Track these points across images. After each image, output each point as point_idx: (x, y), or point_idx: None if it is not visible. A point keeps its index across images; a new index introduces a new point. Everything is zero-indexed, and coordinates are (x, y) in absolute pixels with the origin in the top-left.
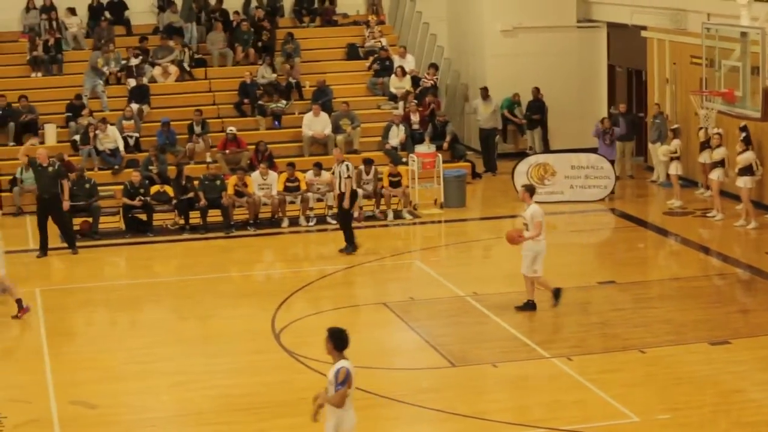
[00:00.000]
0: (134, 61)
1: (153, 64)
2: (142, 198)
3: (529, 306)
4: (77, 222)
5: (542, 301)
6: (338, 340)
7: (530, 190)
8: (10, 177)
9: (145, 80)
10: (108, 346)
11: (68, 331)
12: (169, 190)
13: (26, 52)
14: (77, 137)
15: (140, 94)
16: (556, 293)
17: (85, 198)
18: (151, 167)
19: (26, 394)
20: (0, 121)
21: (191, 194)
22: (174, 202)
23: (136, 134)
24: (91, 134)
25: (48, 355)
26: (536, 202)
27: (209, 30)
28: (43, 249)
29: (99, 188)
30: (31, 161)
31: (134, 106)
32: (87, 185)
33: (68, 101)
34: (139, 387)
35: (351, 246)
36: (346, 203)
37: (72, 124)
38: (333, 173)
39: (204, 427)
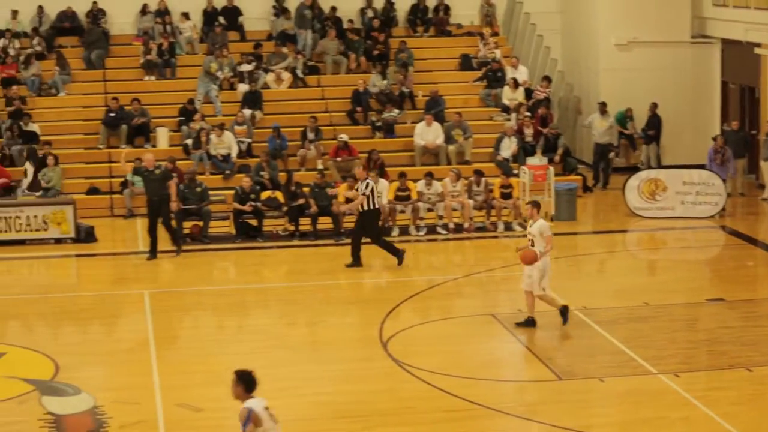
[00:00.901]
0: (247, 67)
1: (266, 71)
2: (253, 203)
3: (530, 323)
4: (187, 226)
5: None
6: (247, 382)
7: (536, 205)
8: (122, 179)
9: (258, 86)
10: (215, 350)
11: (176, 334)
12: (280, 196)
13: (140, 55)
14: (189, 141)
15: (253, 100)
16: (564, 311)
17: (196, 202)
18: (262, 173)
19: (133, 396)
20: (113, 124)
21: (302, 201)
22: (284, 208)
23: (249, 140)
24: (203, 139)
25: (155, 357)
26: (649, 217)
27: (323, 37)
28: (153, 251)
29: (210, 193)
30: (136, 168)
31: (247, 112)
32: (198, 189)
33: (181, 105)
34: None
35: (398, 256)
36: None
37: (184, 128)
38: (357, 190)
39: None
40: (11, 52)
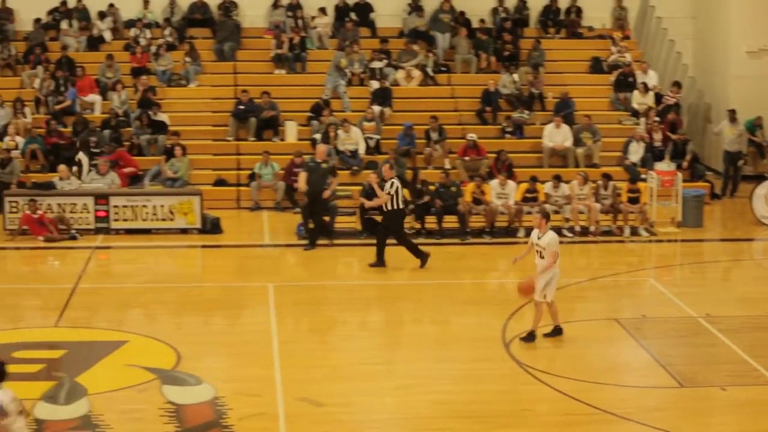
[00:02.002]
0: (378, 64)
1: (396, 68)
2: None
3: (557, 331)
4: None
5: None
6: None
7: (546, 215)
8: (250, 172)
9: (387, 83)
10: (338, 345)
11: (299, 327)
12: (407, 193)
13: (271, 48)
14: (317, 136)
15: (382, 97)
16: (557, 330)
17: None
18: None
19: (254, 388)
20: (242, 116)
21: (427, 199)
22: (411, 206)
23: (377, 136)
24: (332, 134)
25: (278, 350)
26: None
27: (454, 36)
28: (312, 242)
29: (337, 187)
30: (307, 160)
31: (376, 108)
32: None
33: (310, 100)
34: (365, 388)
35: (421, 258)
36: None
37: (313, 122)
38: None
39: None
40: (142, 42)
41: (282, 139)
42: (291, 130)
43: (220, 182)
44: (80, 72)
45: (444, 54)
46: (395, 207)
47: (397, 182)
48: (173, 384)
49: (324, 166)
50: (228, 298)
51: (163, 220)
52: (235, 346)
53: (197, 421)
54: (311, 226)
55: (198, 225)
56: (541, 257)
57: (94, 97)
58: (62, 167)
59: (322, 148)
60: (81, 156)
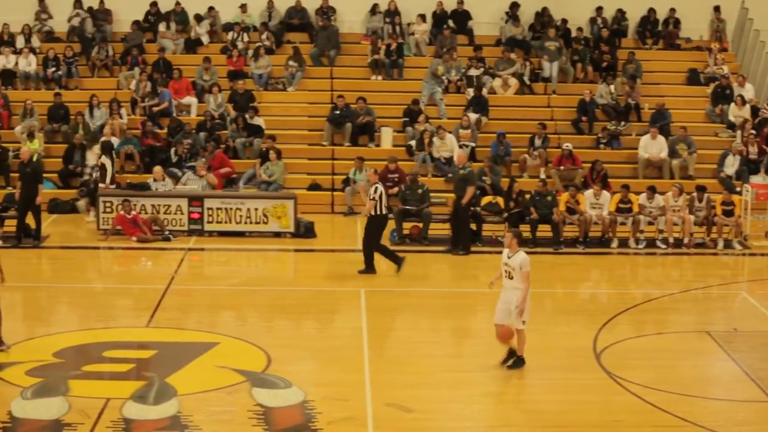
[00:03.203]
0: (474, 72)
1: (493, 76)
2: (473, 208)
3: (519, 363)
4: (407, 227)
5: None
6: None
7: (518, 236)
8: (344, 177)
9: (484, 91)
10: (428, 351)
11: (390, 333)
12: (501, 201)
13: (368, 54)
14: (413, 143)
15: (479, 105)
16: (518, 360)
17: (417, 203)
18: (484, 178)
19: (343, 392)
20: (338, 121)
21: (521, 207)
22: (505, 214)
23: (472, 144)
24: (426, 140)
25: (368, 355)
26: None
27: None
28: (456, 245)
29: (431, 195)
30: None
31: (472, 116)
32: (420, 191)
33: (406, 106)
34: (454, 395)
35: (398, 265)
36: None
37: (408, 129)
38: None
39: None
40: (239, 45)
41: (377, 145)
42: (386, 136)
43: (314, 187)
44: (177, 74)
45: (539, 61)
46: (377, 213)
47: (380, 188)
48: (263, 387)
49: (462, 172)
50: (320, 302)
51: (257, 223)
52: (326, 350)
53: (286, 424)
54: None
55: (291, 229)
56: (510, 278)
57: (191, 100)
58: (157, 169)
59: (461, 153)
60: (104, 160)
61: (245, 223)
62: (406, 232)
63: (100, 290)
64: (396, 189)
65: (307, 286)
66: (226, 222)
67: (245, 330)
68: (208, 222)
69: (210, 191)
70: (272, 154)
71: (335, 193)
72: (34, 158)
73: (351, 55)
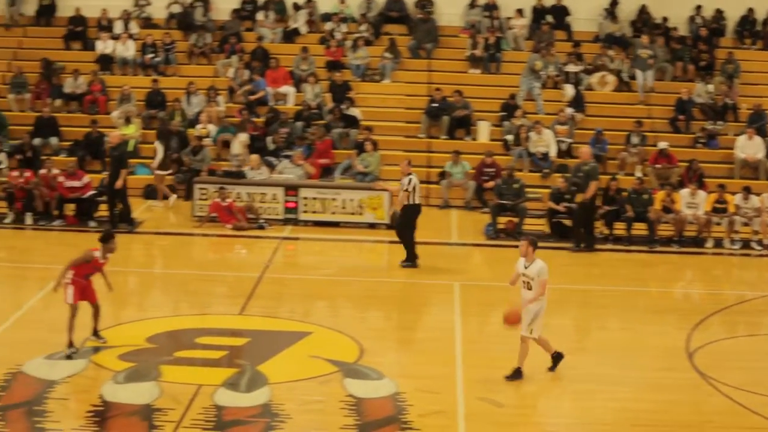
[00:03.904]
0: (573, 68)
1: (591, 72)
2: (568, 204)
3: (517, 375)
4: (502, 221)
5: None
6: None
7: (534, 243)
8: (440, 170)
9: (581, 87)
10: (539, 347)
11: (483, 327)
12: (598, 199)
13: (466, 48)
14: (509, 137)
15: (576, 101)
16: (556, 357)
17: (513, 198)
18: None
19: (435, 386)
20: (434, 114)
21: (618, 205)
22: (600, 211)
23: (569, 140)
24: (523, 136)
25: (460, 349)
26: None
27: (651, 43)
28: (578, 241)
29: (527, 190)
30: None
31: (569, 112)
32: (515, 186)
33: (503, 100)
34: (547, 391)
35: (411, 261)
36: (390, 213)
37: (506, 123)
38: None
39: None
40: (337, 36)
41: (474, 139)
42: (483, 130)
43: None
44: (274, 63)
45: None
46: (411, 202)
47: (414, 179)
48: (355, 377)
49: (585, 168)
50: (413, 295)
51: (352, 214)
52: (418, 342)
53: (377, 415)
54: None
55: (386, 221)
56: (529, 288)
57: (288, 89)
58: (254, 157)
59: (586, 149)
60: (157, 145)
61: (340, 213)
62: (501, 226)
63: (193, 277)
64: (492, 183)
65: (400, 278)
66: (321, 212)
67: (338, 320)
68: (304, 211)
69: (306, 181)
70: (368, 145)
71: (431, 185)
72: (130, 145)
73: (449, 48)
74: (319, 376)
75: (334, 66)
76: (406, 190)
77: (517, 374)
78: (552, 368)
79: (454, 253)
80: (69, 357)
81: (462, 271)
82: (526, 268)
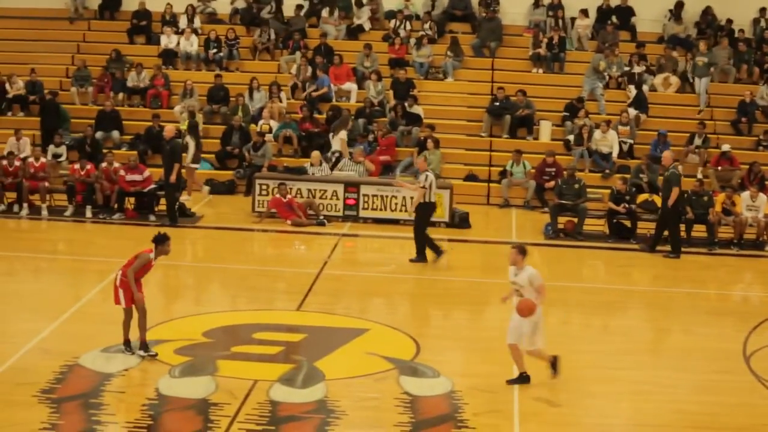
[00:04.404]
0: (636, 68)
1: (655, 73)
2: (628, 205)
3: (524, 379)
4: (562, 221)
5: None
6: None
7: (522, 251)
8: (501, 169)
9: (645, 88)
10: (578, 347)
11: None
12: (657, 200)
13: (529, 47)
14: (571, 137)
15: (639, 102)
16: (554, 363)
17: (573, 198)
18: (641, 175)
19: (490, 385)
20: (497, 113)
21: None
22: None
23: (631, 141)
24: (585, 135)
25: None
26: None
27: (714, 44)
28: (653, 245)
29: (587, 190)
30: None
31: (631, 112)
32: (576, 186)
33: (565, 100)
34: (602, 391)
35: (422, 256)
36: (411, 211)
37: (568, 123)
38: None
39: None
40: (401, 33)
41: (535, 138)
42: (545, 130)
43: (471, 177)
44: (337, 60)
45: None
46: (426, 200)
47: (431, 176)
48: (411, 375)
49: (666, 174)
50: (472, 293)
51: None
52: (475, 341)
53: (432, 413)
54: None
55: (446, 219)
56: (520, 296)
57: (351, 86)
58: (315, 153)
59: (668, 154)
60: (188, 139)
61: (400, 211)
62: (560, 226)
63: (252, 272)
64: (552, 183)
65: (459, 277)
66: (381, 209)
67: (395, 318)
68: (363, 208)
69: (366, 178)
70: (430, 143)
71: (491, 184)
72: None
73: (512, 47)
74: (375, 373)
75: (397, 63)
76: (423, 187)
77: (524, 379)
78: (555, 373)
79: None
80: (150, 356)
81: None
82: (515, 275)
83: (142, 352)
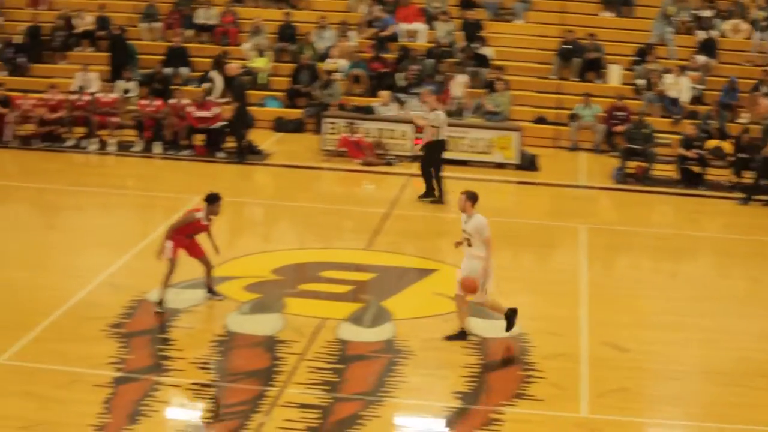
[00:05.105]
0: (706, 14)
1: (725, 18)
2: (698, 151)
3: (462, 335)
4: (632, 166)
5: None
6: None
7: (472, 197)
8: (570, 112)
9: (714, 33)
10: (647, 293)
11: (608, 272)
12: (726, 146)
13: None
14: (640, 81)
15: (708, 47)
16: (511, 315)
17: (642, 143)
18: (710, 121)
19: (559, 328)
20: (566, 56)
21: (750, 153)
22: (730, 159)
23: (701, 87)
24: (654, 80)
25: (586, 292)
26: None
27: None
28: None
29: (656, 135)
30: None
31: (700, 58)
32: (645, 130)
33: (635, 44)
34: (670, 338)
35: (428, 194)
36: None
37: (637, 68)
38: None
39: (725, 388)
40: None
41: (604, 82)
42: (614, 74)
43: (540, 120)
44: (405, 0)
45: None
46: (438, 138)
47: (442, 114)
48: (479, 316)
49: (765, 122)
50: (539, 236)
51: (481, 153)
52: (543, 284)
53: (500, 355)
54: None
55: (515, 161)
56: (469, 245)
57: (419, 26)
58: (384, 93)
59: (766, 102)
60: (214, 74)
61: (469, 152)
62: (629, 170)
63: (320, 210)
64: (621, 127)
65: (527, 219)
66: (450, 150)
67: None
68: None
69: None
70: (499, 85)
71: (560, 127)
72: (261, 77)
73: None
74: (443, 314)
75: (466, 4)
76: (434, 126)
77: (462, 335)
78: (509, 328)
79: (582, 196)
80: (157, 313)
81: (589, 214)
82: (465, 223)
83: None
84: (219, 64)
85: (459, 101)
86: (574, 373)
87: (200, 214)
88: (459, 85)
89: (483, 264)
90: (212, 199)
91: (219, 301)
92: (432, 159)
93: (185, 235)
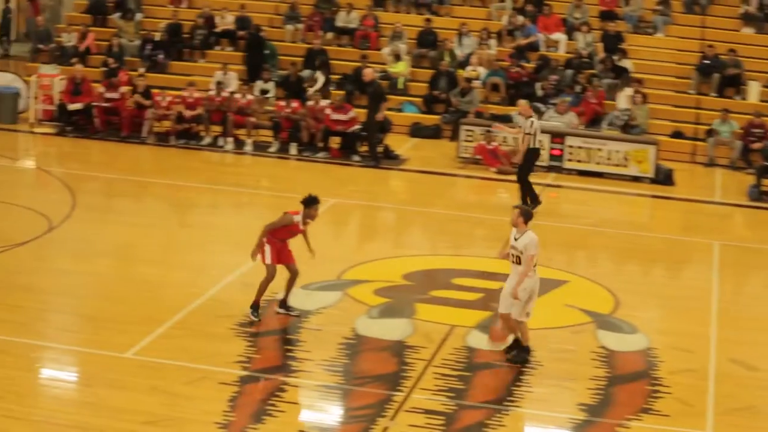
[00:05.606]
0: None
1: None
2: None
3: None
4: (767, 183)
5: None
6: None
7: (525, 214)
8: (708, 127)
9: None
10: None
11: (741, 289)
12: None
13: (740, 5)
14: None
15: None
16: (526, 350)
17: None
18: None
19: (688, 343)
20: (705, 71)
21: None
22: None
23: None
24: None
25: (716, 309)
26: None
27: None
28: None
29: None
30: None
31: None
32: None
33: None
34: None
35: (525, 202)
36: (519, 158)
37: None
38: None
39: None
40: None
41: (743, 98)
42: (753, 90)
43: (677, 134)
44: (547, 10)
45: None
46: (532, 146)
47: (537, 121)
48: (608, 330)
49: None
50: (672, 251)
51: (617, 165)
52: (674, 299)
53: (628, 369)
54: None
55: (651, 174)
56: (517, 262)
57: (560, 36)
58: (522, 102)
59: None
60: (318, 75)
61: (605, 164)
62: (765, 188)
63: (453, 217)
64: (759, 144)
65: (660, 233)
66: (586, 161)
67: (595, 271)
68: (568, 160)
69: (573, 129)
70: (638, 98)
71: (697, 142)
72: (399, 82)
73: (723, 5)
74: (572, 326)
75: (608, 16)
76: (528, 133)
77: (522, 354)
78: (517, 359)
79: (716, 212)
80: (251, 323)
81: (723, 230)
82: (515, 240)
83: (253, 316)
84: (324, 65)
85: (625, 113)
86: (701, 389)
87: (297, 218)
88: (625, 97)
89: (531, 281)
90: (310, 202)
91: (295, 316)
92: (527, 167)
93: (280, 238)
